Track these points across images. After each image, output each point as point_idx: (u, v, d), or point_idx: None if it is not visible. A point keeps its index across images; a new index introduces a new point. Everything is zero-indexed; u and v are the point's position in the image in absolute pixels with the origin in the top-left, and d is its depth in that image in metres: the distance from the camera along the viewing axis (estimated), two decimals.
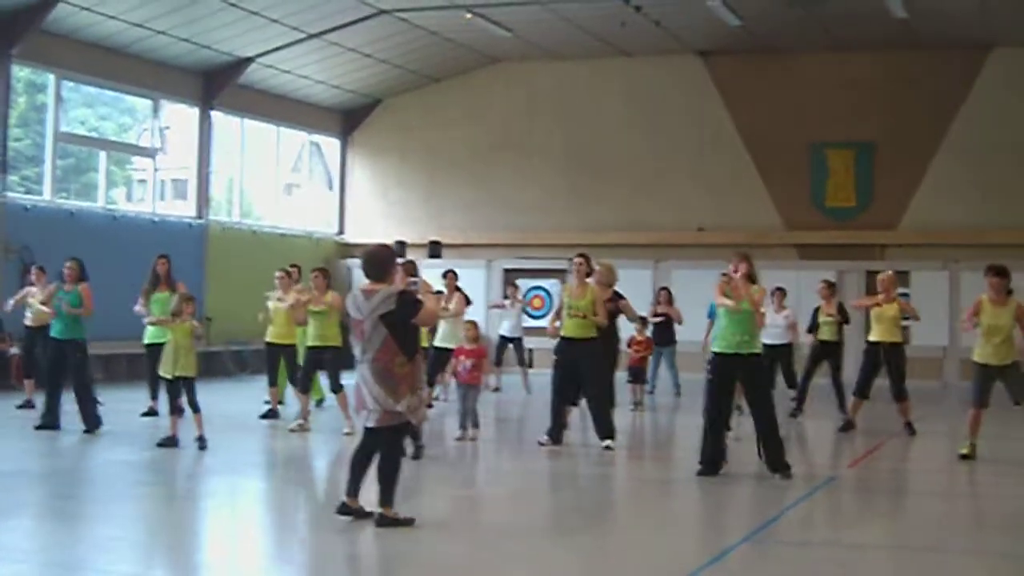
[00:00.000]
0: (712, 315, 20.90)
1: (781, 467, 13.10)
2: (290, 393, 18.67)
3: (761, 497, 12.60)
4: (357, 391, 10.23)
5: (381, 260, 10.40)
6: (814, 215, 29.91)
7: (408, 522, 10.07)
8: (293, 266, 19.56)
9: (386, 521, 10.00)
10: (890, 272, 17.94)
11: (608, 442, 15.21)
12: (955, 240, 28.61)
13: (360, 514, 10.23)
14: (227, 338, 27.39)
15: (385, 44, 29.06)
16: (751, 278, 13.37)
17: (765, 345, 21.34)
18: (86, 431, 16.10)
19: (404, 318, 10.06)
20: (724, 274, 13.41)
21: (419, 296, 10.69)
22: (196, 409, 15.05)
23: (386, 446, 10.20)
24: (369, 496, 10.19)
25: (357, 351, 10.19)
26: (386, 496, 10.11)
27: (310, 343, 17.22)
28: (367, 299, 10.10)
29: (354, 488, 10.30)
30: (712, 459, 13.24)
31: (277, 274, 18.85)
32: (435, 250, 30.73)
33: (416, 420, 10.24)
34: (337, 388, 16.92)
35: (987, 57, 28.68)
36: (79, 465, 14.26)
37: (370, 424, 10.17)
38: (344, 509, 10.27)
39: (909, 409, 17.52)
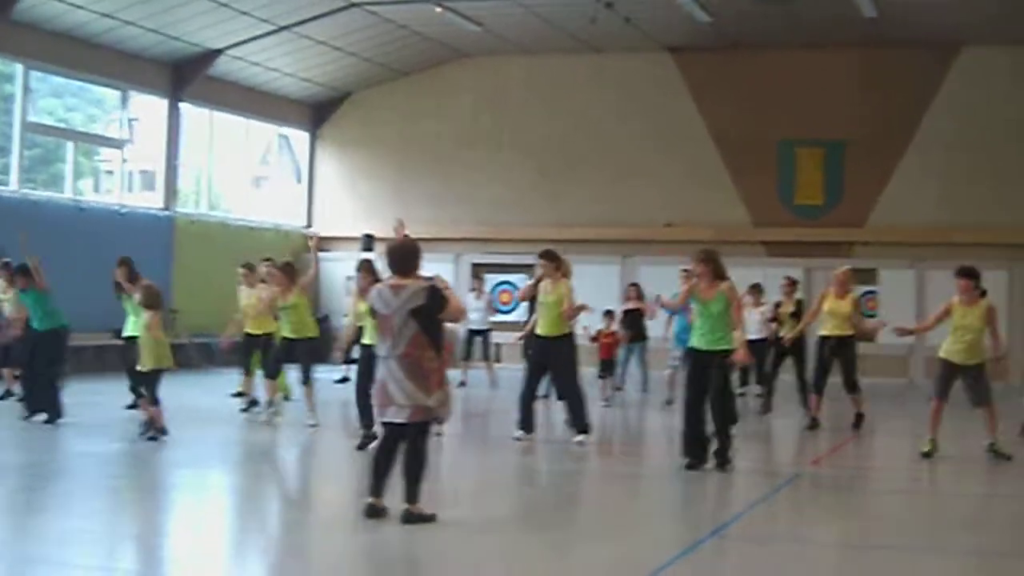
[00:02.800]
0: (670, 310, 21.04)
1: (723, 461, 13.34)
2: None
3: (726, 493, 12.68)
4: (381, 387, 10.08)
5: (408, 254, 10.27)
6: (782, 213, 30.00)
7: (431, 517, 10.01)
8: (266, 259, 19.44)
9: (413, 517, 9.91)
10: (846, 267, 17.99)
11: (581, 437, 15.28)
12: (923, 239, 28.75)
13: (384, 513, 10.04)
14: (194, 331, 27.31)
15: (355, 37, 29.02)
16: (719, 275, 13.48)
17: (749, 341, 21.47)
18: (46, 421, 16.10)
19: (433, 312, 10.00)
20: (685, 270, 13.53)
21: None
22: (152, 402, 15.01)
23: (413, 442, 10.10)
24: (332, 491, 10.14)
25: (383, 347, 10.09)
26: (412, 492, 10.01)
27: (285, 334, 17.22)
28: (395, 294, 9.99)
29: (379, 488, 10.11)
30: (691, 452, 13.41)
31: (240, 270, 18.90)
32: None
33: (443, 415, 10.16)
34: (306, 380, 16.90)
35: (956, 56, 28.82)
36: (44, 458, 14.16)
37: (399, 420, 10.01)
38: (371, 510, 10.05)
39: (861, 402, 17.75)
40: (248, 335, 18.74)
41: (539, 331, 15.61)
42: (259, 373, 18.54)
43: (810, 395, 17.99)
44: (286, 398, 19.37)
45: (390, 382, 9.99)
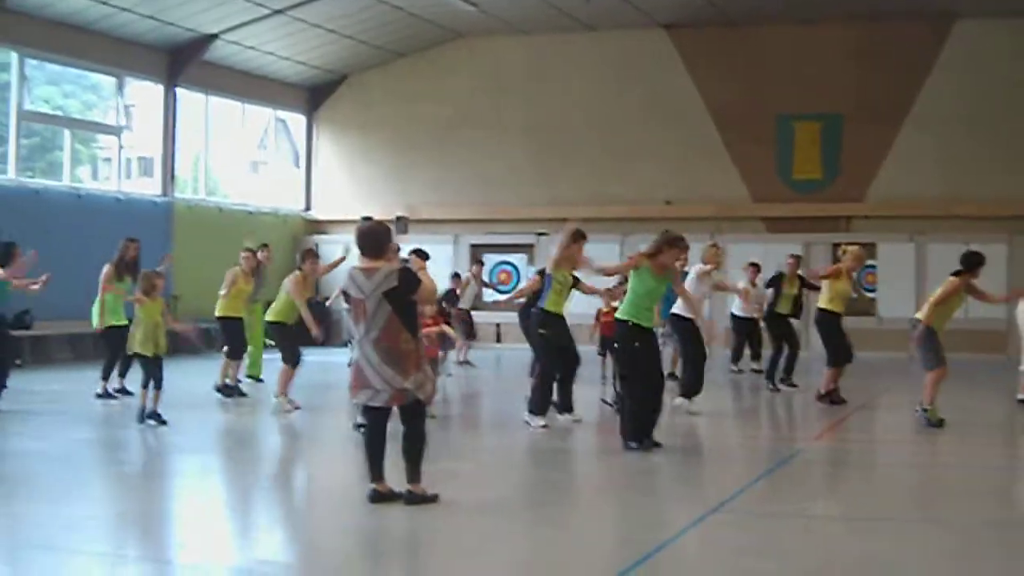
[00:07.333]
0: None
1: (645, 439, 13.24)
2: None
3: (729, 470, 12.72)
4: (356, 371, 10.06)
5: (377, 237, 10.18)
6: (781, 188, 29.98)
7: (434, 498, 10.04)
8: (263, 245, 19.61)
9: (415, 498, 9.96)
10: (855, 248, 18.13)
11: (568, 416, 15.38)
12: (921, 212, 28.76)
13: (391, 496, 10.06)
14: (195, 316, 27.27)
15: (350, 19, 28.97)
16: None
17: (737, 318, 21.73)
18: None
19: (406, 294, 9.95)
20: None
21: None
22: (159, 386, 14.99)
23: (410, 423, 10.12)
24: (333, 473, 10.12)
25: (357, 330, 10.05)
26: (414, 473, 10.05)
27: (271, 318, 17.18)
28: (368, 277, 9.91)
29: (379, 471, 10.13)
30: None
31: (243, 253, 18.85)
32: (402, 226, 30.69)
33: (423, 396, 10.07)
34: (295, 362, 17.00)
35: (951, 29, 28.76)
36: (42, 445, 14.07)
37: (377, 404, 10.02)
38: (376, 495, 10.04)
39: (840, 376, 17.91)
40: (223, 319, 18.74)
41: (556, 309, 15.43)
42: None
43: (827, 370, 17.99)
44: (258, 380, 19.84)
45: (366, 366, 9.95)
